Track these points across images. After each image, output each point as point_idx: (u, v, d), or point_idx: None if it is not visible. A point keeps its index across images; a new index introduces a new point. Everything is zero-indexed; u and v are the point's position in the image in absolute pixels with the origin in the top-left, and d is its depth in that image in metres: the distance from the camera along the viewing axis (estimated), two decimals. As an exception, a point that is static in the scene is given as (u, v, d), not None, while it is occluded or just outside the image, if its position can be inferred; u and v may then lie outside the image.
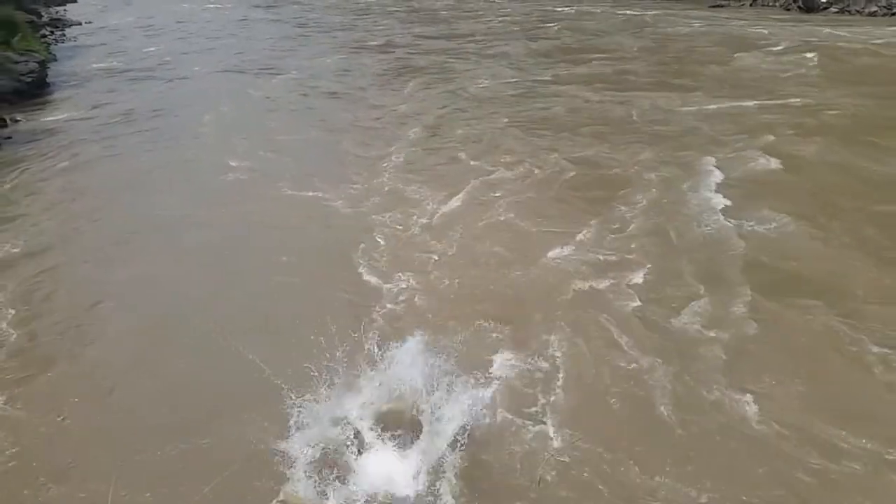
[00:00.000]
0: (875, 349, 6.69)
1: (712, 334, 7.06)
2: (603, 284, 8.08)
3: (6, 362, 7.24)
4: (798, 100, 15.29)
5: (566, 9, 34.64)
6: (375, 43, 27.63)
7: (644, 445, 5.74)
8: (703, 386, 6.35)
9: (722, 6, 32.47)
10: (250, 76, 22.18)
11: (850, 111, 14.11)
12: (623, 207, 10.11)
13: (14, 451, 5.96)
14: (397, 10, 38.46)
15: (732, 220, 9.47)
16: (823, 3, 29.90)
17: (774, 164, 11.43)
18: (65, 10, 41.87)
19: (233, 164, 13.17)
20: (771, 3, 31.84)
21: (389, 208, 10.55)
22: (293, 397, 5.76)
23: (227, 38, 30.18)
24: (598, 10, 33.02)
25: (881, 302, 7.48)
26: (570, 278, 8.24)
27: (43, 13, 35.87)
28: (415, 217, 10.19)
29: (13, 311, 8.13)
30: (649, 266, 8.44)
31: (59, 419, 6.34)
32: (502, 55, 23.49)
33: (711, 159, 11.76)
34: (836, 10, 29.47)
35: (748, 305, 7.50)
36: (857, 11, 28.84)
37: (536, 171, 11.83)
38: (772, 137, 12.67)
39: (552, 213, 10.21)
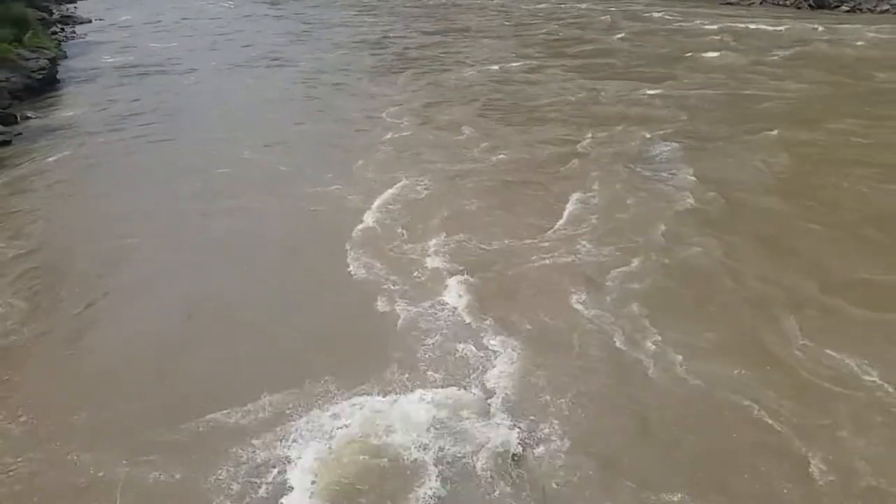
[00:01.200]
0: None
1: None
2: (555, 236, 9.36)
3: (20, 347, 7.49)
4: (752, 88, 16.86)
5: (575, 6, 34.85)
6: (374, 38, 28.24)
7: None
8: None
9: (731, 3, 32.40)
10: (258, 70, 22.75)
11: (798, 96, 15.87)
12: (577, 177, 11.47)
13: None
14: (397, 6, 38.98)
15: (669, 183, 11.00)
16: (834, 1, 29.80)
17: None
18: (75, 7, 42.16)
19: (245, 155, 13.59)
20: (782, 2, 31.73)
21: (382, 192, 11.16)
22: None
23: (234, 34, 30.56)
24: (600, 8, 33.13)
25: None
26: (524, 227, 9.68)
27: (53, 10, 36.19)
28: (411, 197, 11.05)
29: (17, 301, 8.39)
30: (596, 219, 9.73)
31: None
32: (492, 48, 24.43)
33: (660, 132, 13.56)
34: (847, 7, 29.34)
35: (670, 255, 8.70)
36: (869, 10, 28.70)
37: (503, 149, 13.13)
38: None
39: (517, 181, 11.75)
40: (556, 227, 9.60)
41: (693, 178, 11.08)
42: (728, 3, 32.26)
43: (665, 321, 7.25)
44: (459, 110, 16.37)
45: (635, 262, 8.49)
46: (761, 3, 32.12)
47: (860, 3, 29.07)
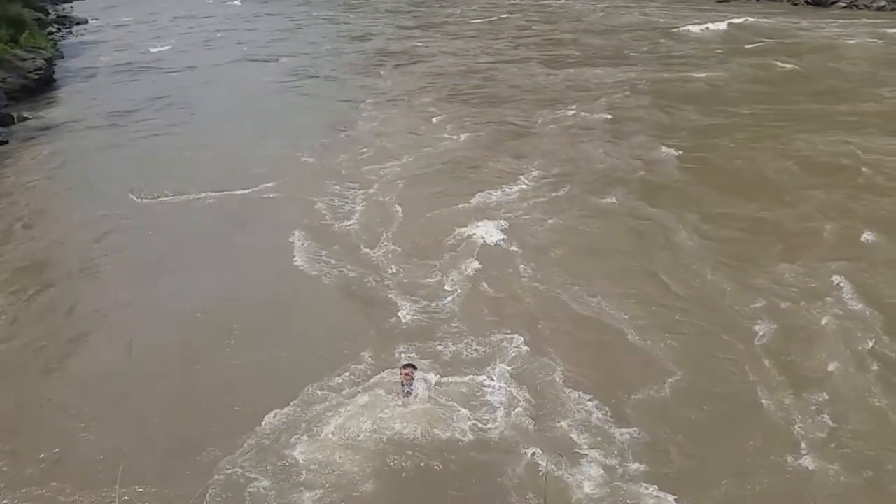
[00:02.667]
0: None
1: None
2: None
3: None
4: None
5: (566, 3, 35.34)
6: (359, 33, 29.17)
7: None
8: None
9: (728, 1, 32.53)
10: (251, 64, 23.54)
11: (721, 77, 18.01)
12: (533, 140, 13.81)
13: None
14: (380, 2, 40.02)
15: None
16: (832, -2, 29.92)
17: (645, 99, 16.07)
18: (71, 7, 42.33)
19: (242, 149, 14.16)
20: (778, -1, 31.85)
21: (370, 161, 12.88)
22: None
23: (227, 31, 31.22)
24: (591, 7, 33.68)
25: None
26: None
27: (50, 11, 36.37)
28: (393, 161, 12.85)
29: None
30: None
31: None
32: (466, 41, 25.69)
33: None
34: (844, 4, 29.48)
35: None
36: (866, 6, 28.82)
37: (464, 129, 14.76)
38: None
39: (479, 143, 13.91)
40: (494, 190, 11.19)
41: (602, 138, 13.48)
42: (724, 1, 32.39)
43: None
44: (431, 95, 17.82)
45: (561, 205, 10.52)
46: (758, 1, 32.27)
47: (856, 0, 29.23)
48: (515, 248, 9.08)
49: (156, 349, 7.39)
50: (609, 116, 14.92)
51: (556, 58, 21.67)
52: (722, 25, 24.93)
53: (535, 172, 11.78)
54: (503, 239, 9.30)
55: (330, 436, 5.78)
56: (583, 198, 10.75)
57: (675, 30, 24.98)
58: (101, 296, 8.64)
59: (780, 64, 18.77)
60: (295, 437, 5.80)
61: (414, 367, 6.40)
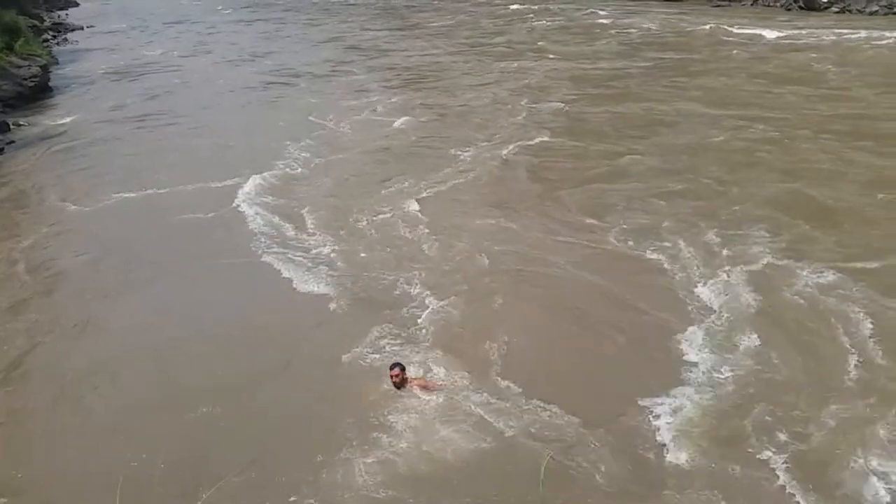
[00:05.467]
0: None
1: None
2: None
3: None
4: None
5: (548, 6, 36.00)
6: (337, 34, 31.17)
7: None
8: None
9: (723, 6, 32.88)
10: (238, 64, 24.83)
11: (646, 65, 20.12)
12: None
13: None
14: (358, 6, 42.31)
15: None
16: (825, 2, 30.23)
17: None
18: (66, 14, 42.58)
19: (231, 143, 15.16)
20: (772, 3, 32.16)
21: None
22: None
23: (216, 35, 32.45)
24: (567, 8, 34.45)
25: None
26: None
27: (45, 18, 36.52)
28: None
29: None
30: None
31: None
32: (431, 41, 27.54)
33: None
34: (836, 9, 29.78)
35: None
36: (858, 11, 29.03)
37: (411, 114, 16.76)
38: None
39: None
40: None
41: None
42: (718, 6, 32.77)
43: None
44: (393, 83, 20.50)
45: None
46: (752, 4, 32.65)
47: (849, 5, 29.53)
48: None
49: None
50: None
51: (506, 54, 23.99)
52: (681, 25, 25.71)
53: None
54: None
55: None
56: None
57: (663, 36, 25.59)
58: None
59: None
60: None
61: (402, 366, 6.36)
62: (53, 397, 6.78)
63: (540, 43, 25.05)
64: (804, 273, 7.81)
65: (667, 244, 8.75)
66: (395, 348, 6.95)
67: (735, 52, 21.01)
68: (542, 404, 6.02)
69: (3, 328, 8.00)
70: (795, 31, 23.19)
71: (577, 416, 5.88)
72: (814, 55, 19.50)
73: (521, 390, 6.21)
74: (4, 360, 7.36)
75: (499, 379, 6.45)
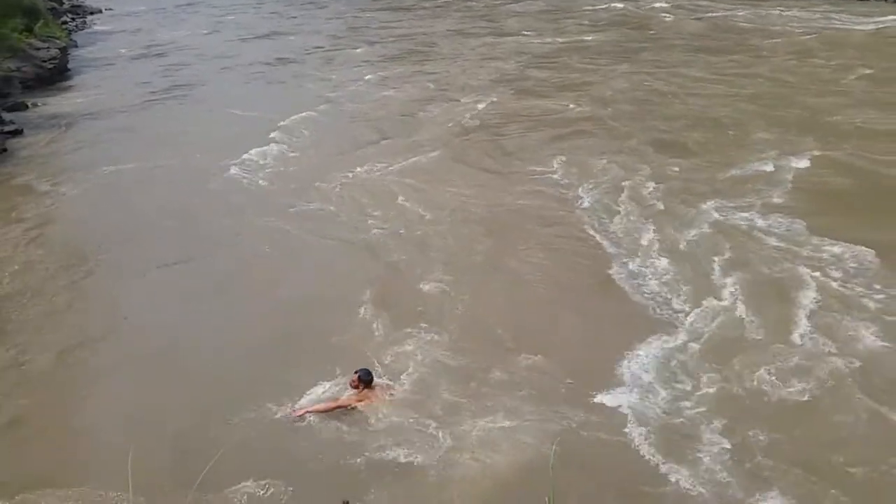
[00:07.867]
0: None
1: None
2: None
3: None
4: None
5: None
6: (337, 14, 32.44)
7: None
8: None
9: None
10: (253, 42, 25.89)
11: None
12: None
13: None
14: None
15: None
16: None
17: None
18: (85, -5, 43.26)
19: (237, 112, 16.67)
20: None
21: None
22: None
23: (230, 17, 33.19)
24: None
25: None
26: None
27: (64, 0, 37.36)
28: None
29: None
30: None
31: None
32: (428, 22, 28.37)
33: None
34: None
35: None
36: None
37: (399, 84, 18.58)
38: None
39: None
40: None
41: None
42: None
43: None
44: (391, 59, 22.09)
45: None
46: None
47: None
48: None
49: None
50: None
51: (492, 30, 25.78)
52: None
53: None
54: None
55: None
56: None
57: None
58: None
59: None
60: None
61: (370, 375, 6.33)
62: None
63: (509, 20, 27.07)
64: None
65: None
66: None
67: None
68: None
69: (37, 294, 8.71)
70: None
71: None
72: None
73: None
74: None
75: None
